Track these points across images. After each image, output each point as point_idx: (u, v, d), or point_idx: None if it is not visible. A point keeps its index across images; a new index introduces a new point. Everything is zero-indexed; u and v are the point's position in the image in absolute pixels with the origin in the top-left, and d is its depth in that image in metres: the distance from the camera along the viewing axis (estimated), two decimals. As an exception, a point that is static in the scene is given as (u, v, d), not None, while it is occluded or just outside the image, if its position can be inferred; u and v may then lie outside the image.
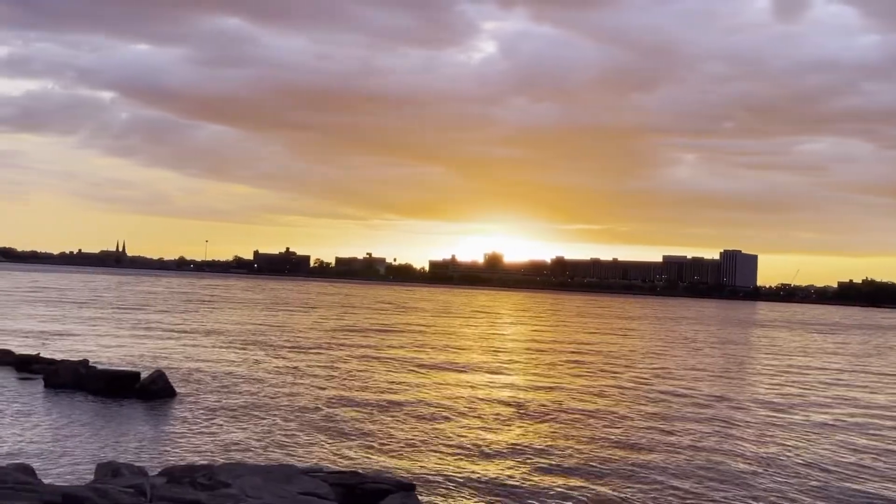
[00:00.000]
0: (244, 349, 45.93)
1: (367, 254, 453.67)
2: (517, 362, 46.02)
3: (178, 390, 29.33)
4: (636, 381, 39.36)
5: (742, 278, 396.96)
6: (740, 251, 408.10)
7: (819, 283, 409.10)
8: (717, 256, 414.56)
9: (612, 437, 24.88)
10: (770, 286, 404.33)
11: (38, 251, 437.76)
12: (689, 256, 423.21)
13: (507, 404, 30.42)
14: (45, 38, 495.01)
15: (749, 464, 22.25)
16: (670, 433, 26.03)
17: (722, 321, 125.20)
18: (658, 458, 22.18)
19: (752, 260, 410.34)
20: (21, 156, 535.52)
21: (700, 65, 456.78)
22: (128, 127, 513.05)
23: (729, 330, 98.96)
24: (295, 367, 38.63)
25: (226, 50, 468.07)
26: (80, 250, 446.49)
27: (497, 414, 28.36)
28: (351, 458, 20.75)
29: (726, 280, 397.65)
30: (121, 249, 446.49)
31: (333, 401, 29.45)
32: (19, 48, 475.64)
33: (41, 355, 35.26)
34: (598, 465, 21.01)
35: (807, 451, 24.40)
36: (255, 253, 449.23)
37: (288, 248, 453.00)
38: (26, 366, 33.26)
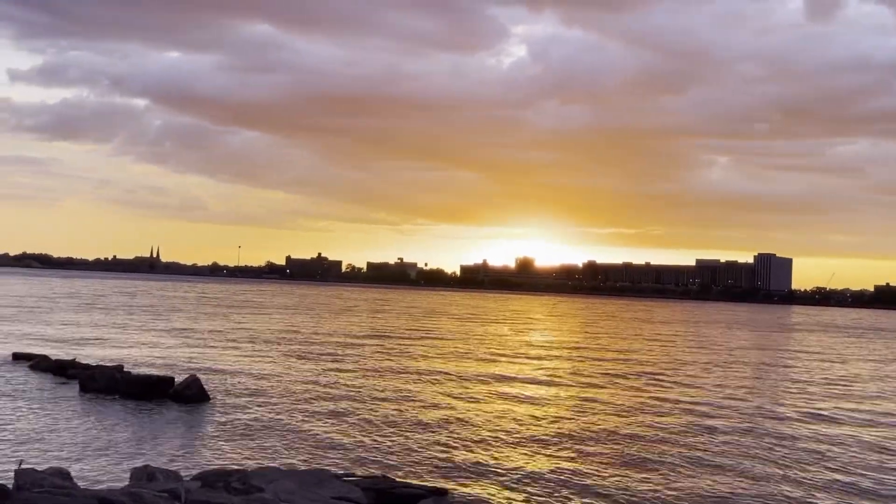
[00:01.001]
0: (277, 354, 46.17)
1: (399, 258, 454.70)
2: (550, 372, 45.80)
3: (211, 395, 29.53)
4: (670, 391, 39.05)
5: (776, 282, 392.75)
6: (774, 254, 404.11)
7: (855, 287, 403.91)
8: (751, 260, 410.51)
9: (645, 455, 24.64)
10: (805, 290, 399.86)
11: (74, 257, 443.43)
12: (722, 260, 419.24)
13: (540, 417, 30.27)
14: (79, 47, 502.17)
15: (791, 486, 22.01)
16: (705, 450, 25.81)
17: (756, 326, 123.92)
18: (693, 482, 21.98)
19: (787, 263, 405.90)
20: (57, 163, 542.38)
21: (732, 66, 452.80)
22: (161, 134, 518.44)
23: (763, 335, 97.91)
24: (327, 373, 38.77)
25: (256, 56, 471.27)
26: (114, 256, 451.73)
27: (529, 425, 28.26)
28: (383, 464, 20.78)
29: (760, 284, 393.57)
30: (155, 255, 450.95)
31: (365, 407, 29.53)
32: (53, 57, 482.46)
33: (77, 360, 35.69)
34: (629, 485, 20.84)
35: (838, 471, 24.08)
36: (288, 258, 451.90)
37: (320, 254, 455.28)
38: (63, 371, 33.66)
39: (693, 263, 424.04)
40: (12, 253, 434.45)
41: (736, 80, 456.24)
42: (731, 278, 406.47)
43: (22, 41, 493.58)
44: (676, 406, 32.67)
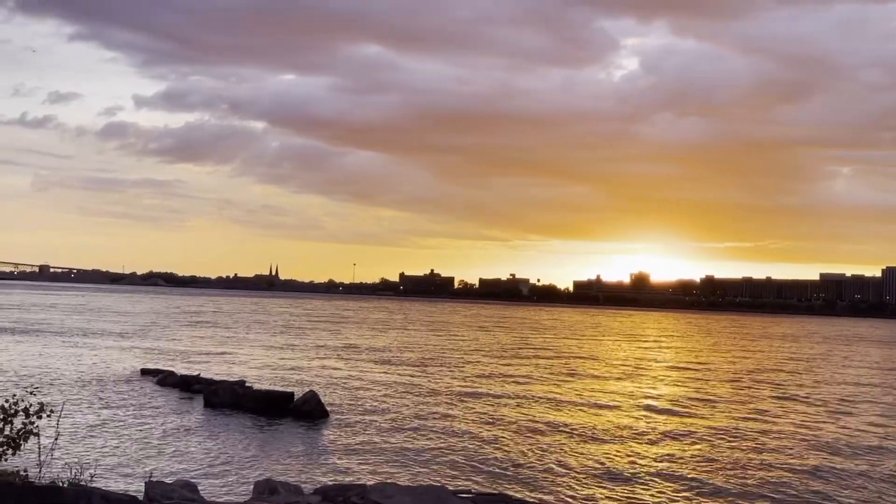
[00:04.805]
0: (392, 369, 46.57)
1: (511, 275, 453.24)
2: (668, 390, 44.82)
3: (329, 410, 29.97)
4: (802, 420, 37.60)
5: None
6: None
7: None
8: (878, 274, 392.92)
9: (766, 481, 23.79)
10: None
11: (197, 276, 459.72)
12: (848, 274, 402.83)
13: (659, 435, 29.60)
14: (199, 72, 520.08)
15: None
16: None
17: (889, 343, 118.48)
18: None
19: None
20: (181, 185, 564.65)
21: (855, 74, 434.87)
22: (279, 155, 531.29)
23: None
24: (443, 388, 38.86)
25: (368, 77, 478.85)
26: (235, 274, 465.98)
27: (649, 445, 27.65)
28: (499, 480, 20.65)
29: (889, 298, 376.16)
30: (274, 273, 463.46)
31: (481, 421, 29.44)
32: (175, 83, 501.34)
33: (201, 376, 36.83)
34: None
35: None
36: (401, 275, 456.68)
37: (432, 270, 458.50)
38: (188, 386, 34.82)
39: (817, 277, 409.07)
40: (140, 272, 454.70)
41: (859, 87, 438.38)
42: (857, 293, 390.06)
43: (146, 68, 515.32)
44: (813, 438, 31.48)
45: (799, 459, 24.72)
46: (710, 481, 21.41)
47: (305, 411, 29.28)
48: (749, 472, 22.76)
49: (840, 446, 27.19)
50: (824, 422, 32.72)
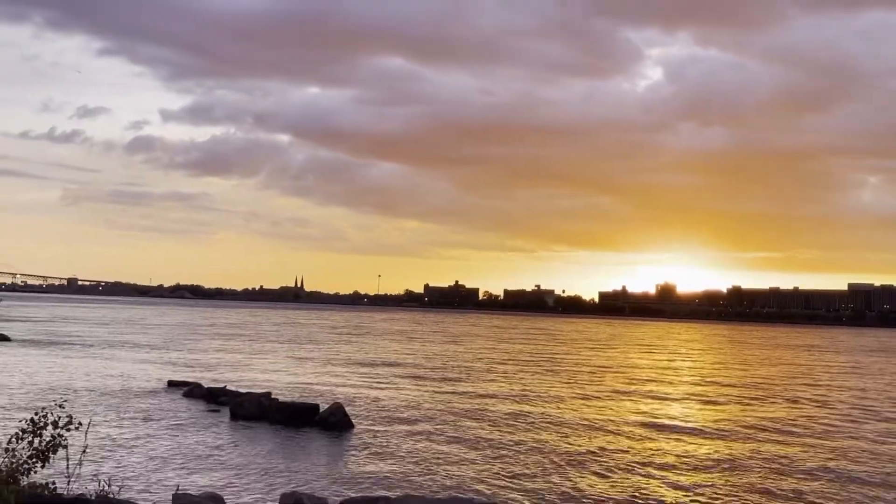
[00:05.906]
0: (417, 381, 46.53)
1: (536, 286, 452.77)
2: (692, 409, 44.44)
3: (355, 422, 29.98)
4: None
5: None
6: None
7: None
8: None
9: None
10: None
11: (223, 288, 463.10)
12: (877, 284, 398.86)
13: (684, 459, 29.36)
14: (223, 86, 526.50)
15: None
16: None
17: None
18: None
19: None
20: (208, 198, 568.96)
21: (882, 81, 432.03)
22: (304, 167, 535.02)
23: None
24: (468, 401, 38.77)
25: (391, 89, 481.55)
26: (261, 286, 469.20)
27: (688, 469, 27.43)
28: (526, 493, 20.54)
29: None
30: (299, 285, 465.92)
31: (508, 434, 29.32)
32: (201, 96, 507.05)
33: (227, 388, 36.96)
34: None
35: None
36: (426, 286, 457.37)
37: (457, 282, 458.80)
38: (214, 398, 34.94)
39: (845, 288, 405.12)
40: (167, 285, 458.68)
41: (886, 95, 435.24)
42: (886, 303, 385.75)
43: (172, 83, 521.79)
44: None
45: (833, 489, 24.43)
46: None
47: (331, 423, 29.30)
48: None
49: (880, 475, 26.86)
50: (862, 445, 32.35)
